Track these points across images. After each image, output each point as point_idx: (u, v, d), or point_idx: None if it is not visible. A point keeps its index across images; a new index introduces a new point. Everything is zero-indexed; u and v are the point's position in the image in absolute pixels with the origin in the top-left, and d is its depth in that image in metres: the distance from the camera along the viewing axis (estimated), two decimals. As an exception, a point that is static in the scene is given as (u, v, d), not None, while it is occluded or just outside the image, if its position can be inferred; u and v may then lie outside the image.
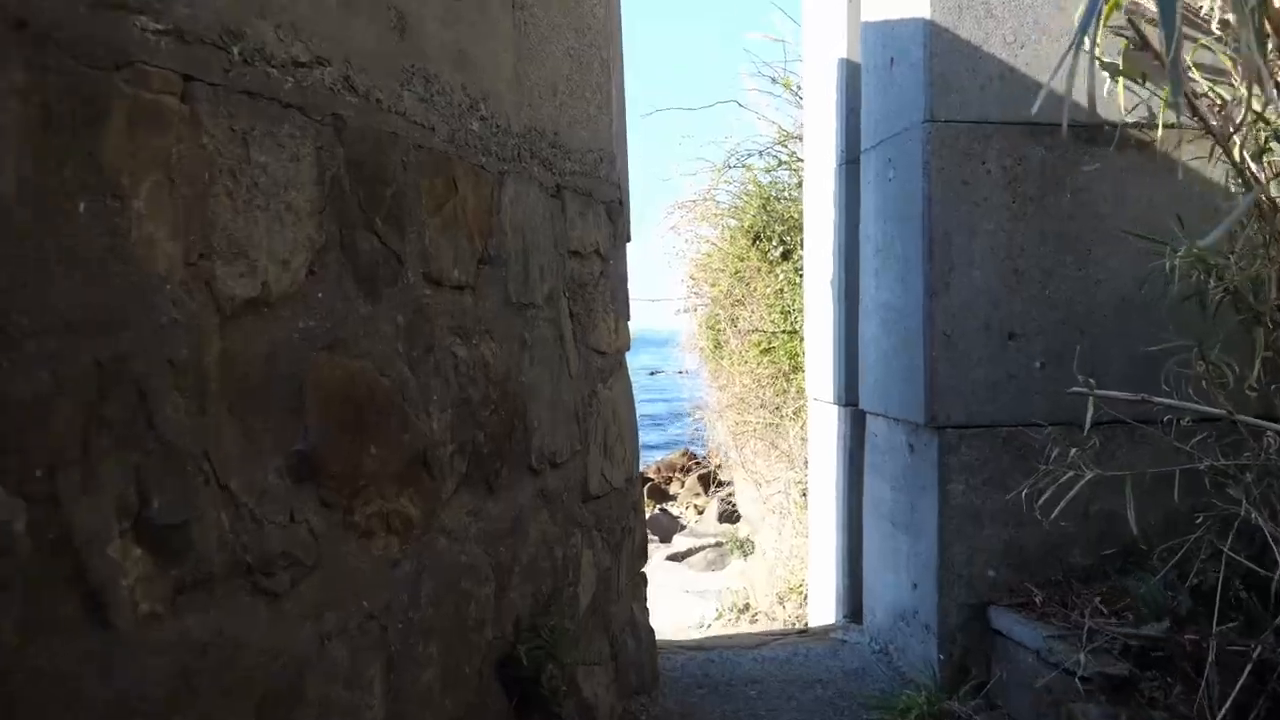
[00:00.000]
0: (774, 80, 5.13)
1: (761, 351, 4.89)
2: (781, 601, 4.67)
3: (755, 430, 4.98)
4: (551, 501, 2.59)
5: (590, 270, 2.93)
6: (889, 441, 3.32)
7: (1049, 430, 2.95)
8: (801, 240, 4.60)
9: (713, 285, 5.45)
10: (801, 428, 4.48)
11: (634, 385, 3.31)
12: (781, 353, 4.77)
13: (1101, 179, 3.02)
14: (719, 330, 5.34)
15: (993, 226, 2.98)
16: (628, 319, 3.23)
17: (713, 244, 5.49)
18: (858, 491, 3.70)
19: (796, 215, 4.93)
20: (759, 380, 4.92)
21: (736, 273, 5.17)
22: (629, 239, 3.29)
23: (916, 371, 3.02)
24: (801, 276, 4.62)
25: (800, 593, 4.55)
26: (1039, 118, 2.94)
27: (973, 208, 2.97)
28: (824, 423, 4.01)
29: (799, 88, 5.11)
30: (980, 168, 2.97)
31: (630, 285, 3.30)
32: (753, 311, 4.99)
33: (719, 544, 9.32)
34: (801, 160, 5.35)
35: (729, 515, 14.19)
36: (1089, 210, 3.02)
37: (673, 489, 24.38)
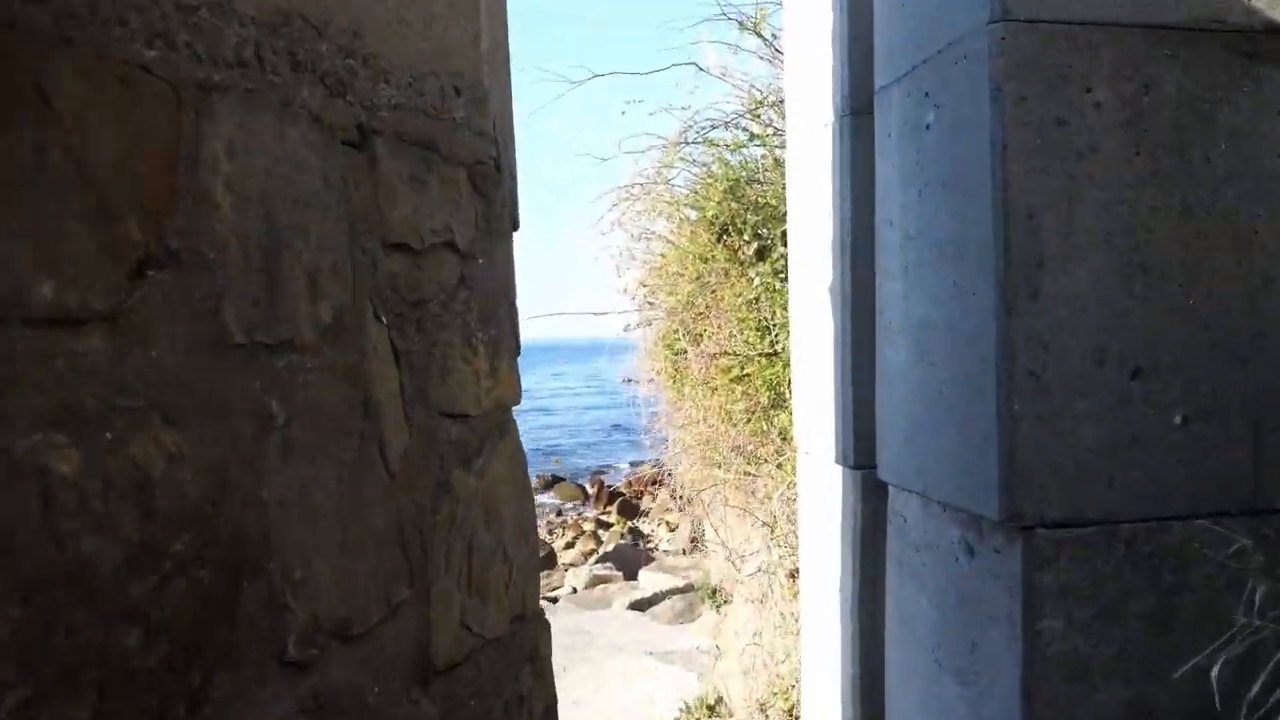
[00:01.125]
0: (741, 26, 4.00)
1: (733, 380, 3.74)
2: (764, 710, 3.51)
3: (726, 484, 3.84)
4: (339, 712, 1.39)
5: (435, 276, 1.73)
6: (930, 535, 2.14)
7: (1200, 525, 1.80)
8: (783, 233, 3.45)
9: (669, 293, 4.29)
10: (789, 487, 3.33)
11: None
12: (759, 381, 3.61)
13: (1275, 119, 1.87)
14: (678, 350, 4.19)
15: (1105, 196, 1.81)
16: (514, 353, 2.03)
17: (668, 240, 4.34)
18: (875, 594, 2.52)
19: (775, 201, 3.79)
20: (729, 417, 3.78)
21: (699, 277, 4.02)
22: (516, 226, 2.09)
23: (981, 432, 1.85)
24: (783, 281, 3.46)
25: (788, 699, 3.41)
26: (1178, 18, 1.81)
27: (1073, 166, 1.80)
28: (820, 489, 2.83)
29: (775, 36, 3.98)
30: (1084, 99, 1.81)
31: (523, 299, 2.11)
32: (720, 327, 3.84)
33: (689, 588, 8.14)
34: (780, 132, 4.18)
35: (703, 536, 13.06)
36: (1255, 168, 1.86)
37: (645, 503, 23.26)
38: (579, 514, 22.59)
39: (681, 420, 4.29)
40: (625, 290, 4.26)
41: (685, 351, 4.02)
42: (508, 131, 2.12)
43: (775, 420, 3.57)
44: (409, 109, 1.65)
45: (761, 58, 4.15)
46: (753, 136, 4.21)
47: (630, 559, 11.19)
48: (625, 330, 4.72)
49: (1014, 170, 1.79)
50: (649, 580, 9.07)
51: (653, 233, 4.37)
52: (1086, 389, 1.79)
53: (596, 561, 10.95)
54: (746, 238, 3.75)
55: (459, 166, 1.83)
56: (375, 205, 1.55)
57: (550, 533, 20.37)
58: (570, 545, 18.81)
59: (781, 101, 4.32)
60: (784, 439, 3.44)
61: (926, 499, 2.12)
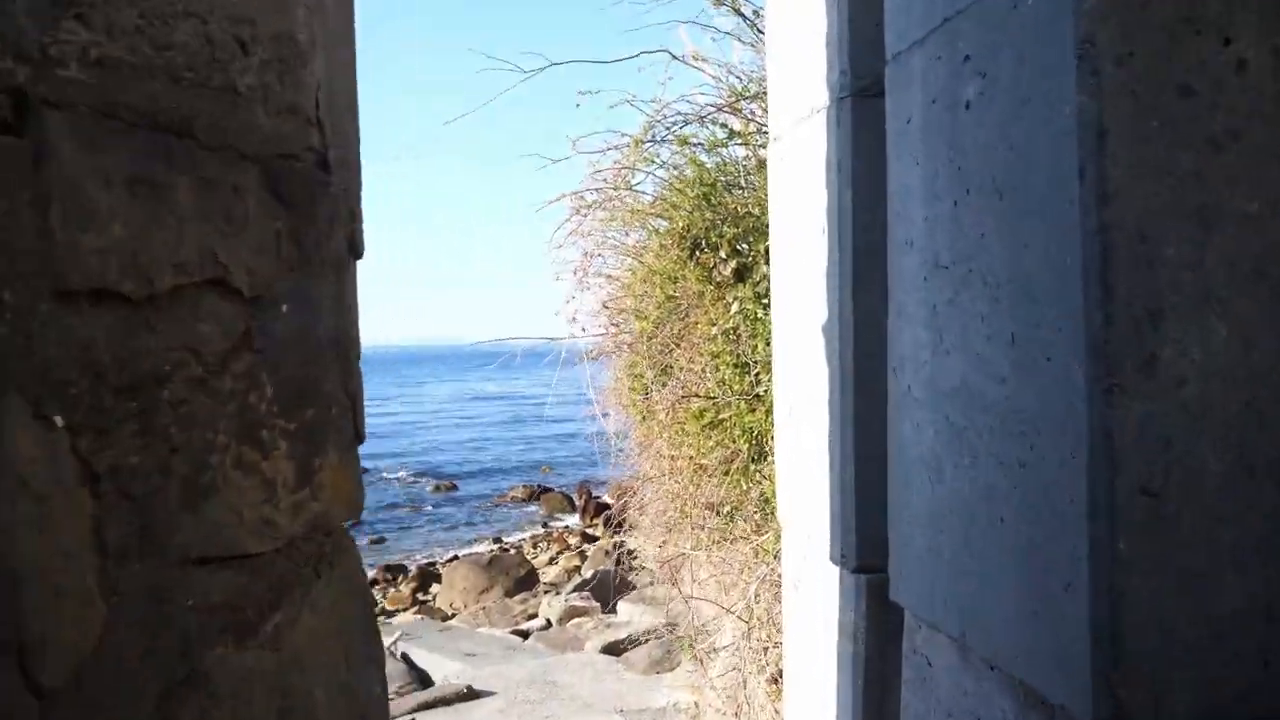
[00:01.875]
0: (718, 1, 3.34)
1: (706, 425, 3.09)
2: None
3: (698, 547, 3.18)
4: None
5: (184, 338, 1.07)
6: (971, 700, 1.46)
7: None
8: (767, 250, 2.80)
9: (638, 317, 3.63)
10: (775, 560, 2.66)
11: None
12: (737, 429, 2.96)
13: None
14: (645, 383, 3.54)
15: (1255, 207, 1.16)
16: (348, 444, 1.34)
17: (632, 256, 3.69)
18: (885, 744, 1.85)
19: (759, 210, 3.14)
20: (702, 469, 3.12)
21: (667, 299, 3.37)
22: (358, 253, 1.40)
23: (1061, 578, 1.19)
24: (767, 309, 2.81)
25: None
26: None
27: (1206, 160, 1.15)
28: (811, 585, 2.16)
29: (758, 15, 3.33)
30: (1222, 58, 1.16)
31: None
32: (691, 361, 3.20)
33: (671, 626, 7.47)
34: (765, 128, 3.54)
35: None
36: None
37: (633, 515, 22.53)
38: (565, 527, 21.91)
39: (649, 466, 3.64)
40: (574, 317, 3.60)
41: (649, 389, 3.37)
42: (347, 113, 1.45)
43: (757, 476, 2.92)
44: (133, 67, 0.99)
45: (743, 41, 3.51)
46: (732, 133, 3.56)
47: (609, 587, 10.46)
48: (589, 357, 4.07)
49: (1114, 168, 1.13)
50: (627, 613, 8.39)
51: (617, 244, 3.72)
52: (1232, 514, 1.13)
53: (574, 589, 10.27)
54: (723, 254, 3.10)
55: (243, 162, 1.15)
56: (41, 227, 0.88)
57: (535, 546, 19.68)
58: (553, 561, 18.12)
59: (765, 94, 3.67)
60: (767, 502, 2.79)
61: (965, 648, 1.45)
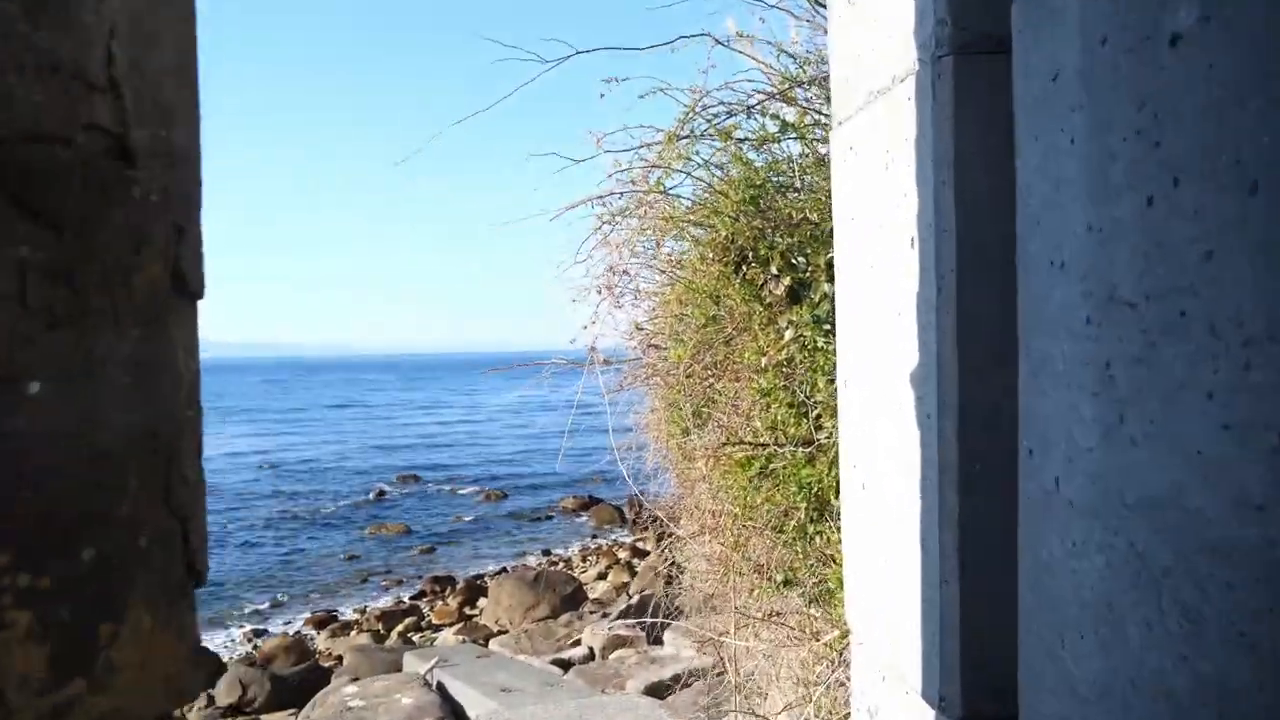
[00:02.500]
0: (771, -32, 2.79)
1: (755, 475, 2.52)
2: None
3: (746, 628, 2.62)
4: None
5: None
6: None
7: None
8: (828, 263, 2.24)
9: (675, 341, 3.08)
10: (840, 661, 2.09)
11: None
12: (792, 484, 2.39)
13: None
14: (683, 419, 2.99)
15: None
16: (176, 591, 0.83)
17: (666, 271, 3.15)
18: None
19: (818, 217, 2.57)
20: (750, 526, 2.56)
21: (709, 322, 2.82)
22: (195, 292, 0.87)
23: None
24: (828, 336, 2.25)
25: None
26: None
27: None
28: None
29: (817, -19, 2.76)
30: None
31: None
32: (738, 397, 2.64)
33: (719, 672, 6.90)
34: (825, 120, 2.98)
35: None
36: None
37: (685, 527, 21.94)
38: (615, 540, 21.41)
39: (689, 520, 3.09)
40: (593, 344, 3.05)
41: (688, 430, 2.83)
42: (174, 77, 0.93)
43: (818, 538, 2.36)
44: None
45: (797, 16, 2.95)
46: (784, 126, 3.01)
47: (655, 612, 9.91)
48: (622, 387, 3.54)
49: None
50: (673, 645, 7.84)
51: (648, 256, 3.18)
52: None
53: (618, 616, 9.76)
54: (774, 269, 2.54)
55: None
56: None
57: (584, 559, 19.21)
58: (603, 576, 17.62)
59: (826, 78, 3.10)
60: (831, 561, 2.22)
61: None
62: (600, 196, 2.88)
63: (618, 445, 3.63)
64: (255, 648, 13.40)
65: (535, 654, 10.02)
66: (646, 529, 22.33)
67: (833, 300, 2.44)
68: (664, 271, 3.14)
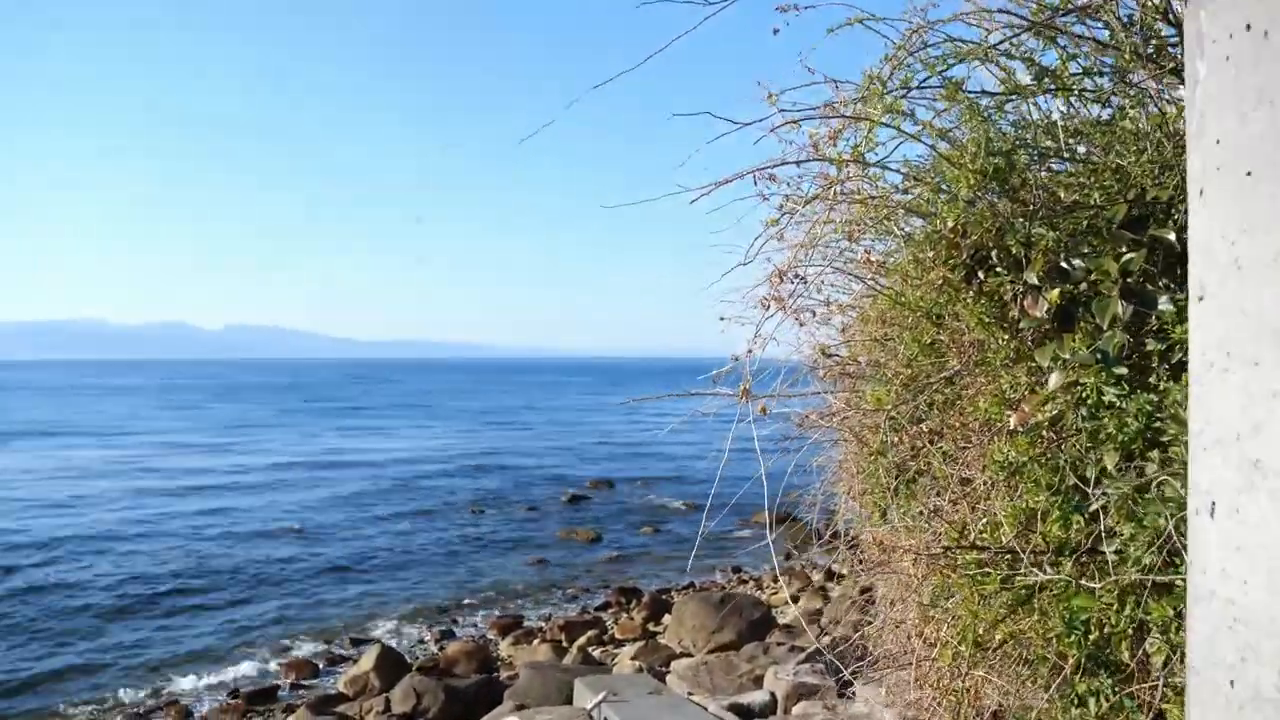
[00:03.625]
0: None
1: (994, 596, 1.59)
2: None
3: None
4: None
5: None
6: None
7: None
8: (1123, 266, 1.32)
9: (874, 376, 2.18)
10: None
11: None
12: (1055, 616, 1.46)
13: None
14: (882, 491, 2.09)
15: None
16: None
17: (862, 275, 2.23)
18: None
19: (1101, 196, 1.62)
20: (982, 673, 1.64)
21: (925, 352, 1.91)
22: None
23: None
24: (1127, 386, 1.33)
25: None
26: None
27: None
28: None
29: None
30: None
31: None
32: (966, 469, 1.74)
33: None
34: (1097, 68, 2.01)
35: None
36: None
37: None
38: (809, 561, 20.24)
39: (888, 638, 2.19)
40: (747, 386, 2.14)
41: (887, 510, 1.95)
42: None
43: (1093, 703, 1.43)
44: None
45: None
46: (1041, 75, 2.06)
47: (846, 655, 8.78)
48: (803, 427, 2.67)
49: None
50: (867, 700, 6.83)
51: (835, 254, 2.25)
52: None
53: (805, 659, 8.77)
54: (1033, 277, 1.62)
55: None
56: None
57: (775, 580, 18.18)
58: (794, 599, 16.57)
59: (1101, 4, 2.14)
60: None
61: None
62: (767, 167, 2.02)
63: (798, 496, 2.81)
64: (441, 648, 13.38)
65: (714, 691, 9.20)
66: (840, 549, 20.91)
67: (1120, 323, 1.51)
68: (860, 277, 2.24)
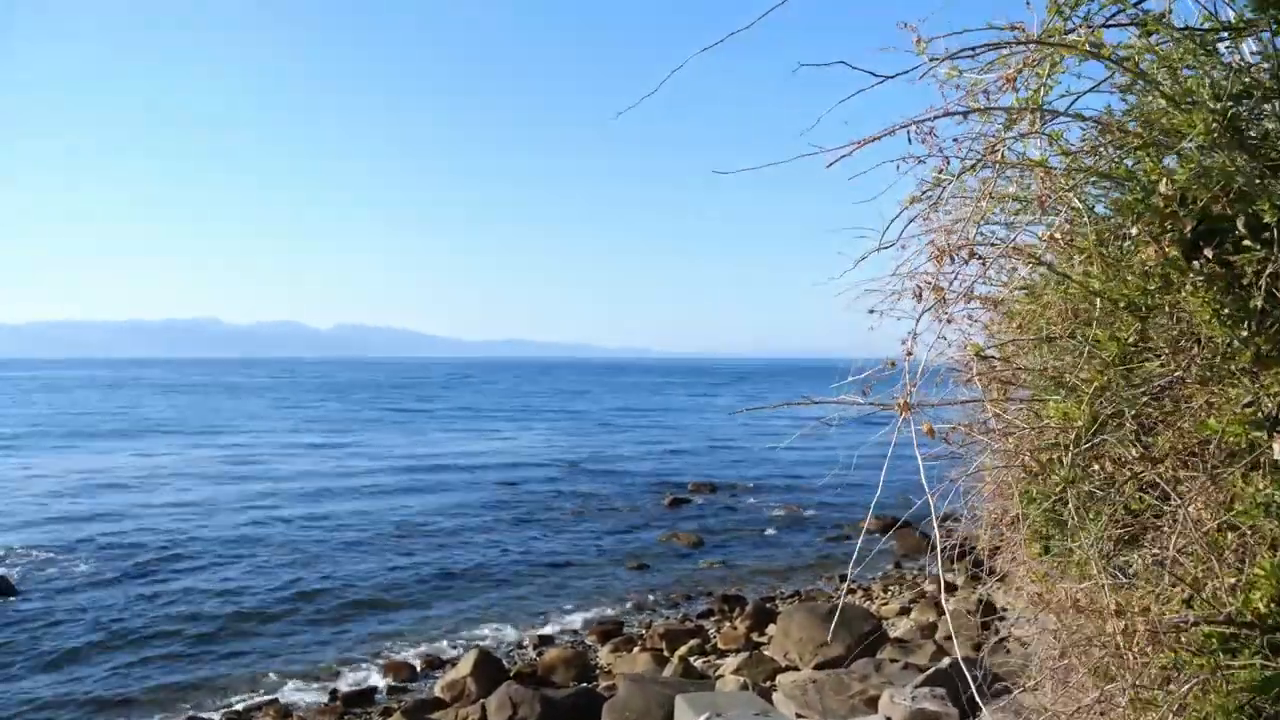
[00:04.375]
0: None
1: (1247, 687, 1.17)
2: None
3: None
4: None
5: None
6: None
7: None
8: None
9: (1052, 386, 1.73)
10: None
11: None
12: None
13: None
14: (1046, 530, 1.64)
15: None
16: None
17: (1039, 262, 1.76)
18: None
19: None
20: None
21: (1127, 356, 1.48)
22: None
23: None
24: None
25: None
26: None
27: None
28: None
29: None
30: None
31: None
32: (1192, 503, 1.31)
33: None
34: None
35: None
36: None
37: (1000, 563, 19.37)
38: (920, 569, 19.35)
39: (1060, 691, 1.74)
40: (907, 395, 1.70)
41: (1048, 547, 1.50)
42: None
43: None
44: None
45: None
46: (1271, 6, 1.59)
47: (968, 680, 8.12)
48: (948, 443, 2.23)
49: None
50: (996, 732, 6.25)
51: (1005, 231, 1.80)
52: None
53: (924, 681, 8.17)
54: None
55: None
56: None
57: (885, 590, 17.38)
58: (905, 611, 15.79)
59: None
60: None
61: None
62: (924, 119, 1.58)
63: (907, 500, 2.39)
64: (540, 654, 13.18)
65: (824, 714, 8.68)
66: (957, 561, 19.89)
67: None
68: (1038, 260, 1.78)
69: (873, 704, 8.76)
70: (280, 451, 38.28)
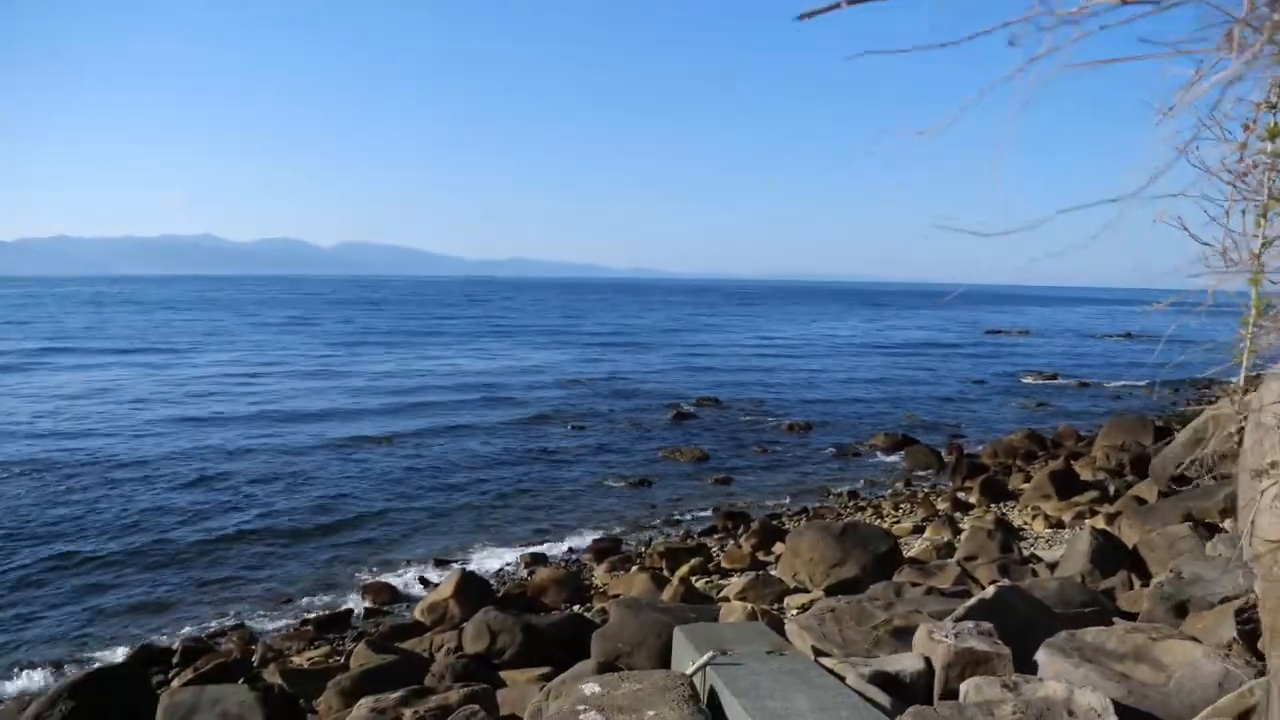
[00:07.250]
0: None
1: None
2: None
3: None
4: None
5: None
6: None
7: None
8: None
9: None
10: None
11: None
12: None
13: None
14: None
15: None
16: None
17: None
18: None
19: None
20: None
21: None
22: None
23: None
24: None
25: None
26: None
27: None
28: None
29: None
30: None
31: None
32: None
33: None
34: None
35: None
36: None
37: (1014, 483, 18.22)
38: (933, 486, 18.32)
39: None
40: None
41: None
42: None
43: None
44: None
45: None
46: None
47: (1015, 614, 6.92)
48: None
49: None
50: (1056, 674, 5.09)
51: None
52: None
53: (965, 615, 6.98)
54: None
55: None
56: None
57: (896, 507, 16.32)
58: (919, 530, 14.69)
59: None
60: None
61: None
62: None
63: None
64: (531, 573, 12.15)
65: (845, 650, 7.50)
66: (969, 478, 18.58)
67: None
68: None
69: (899, 635, 7.51)
70: (264, 371, 37.18)
